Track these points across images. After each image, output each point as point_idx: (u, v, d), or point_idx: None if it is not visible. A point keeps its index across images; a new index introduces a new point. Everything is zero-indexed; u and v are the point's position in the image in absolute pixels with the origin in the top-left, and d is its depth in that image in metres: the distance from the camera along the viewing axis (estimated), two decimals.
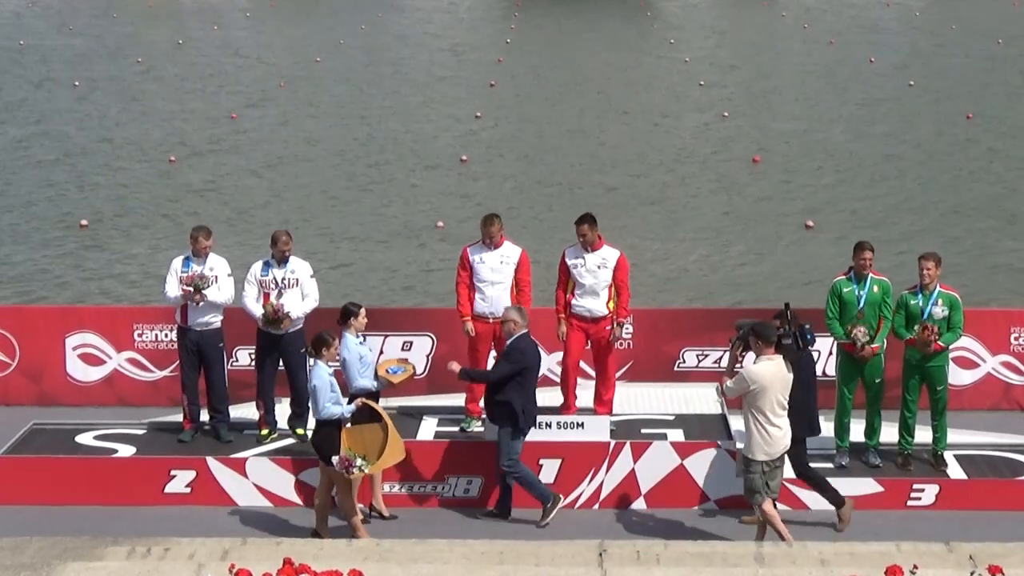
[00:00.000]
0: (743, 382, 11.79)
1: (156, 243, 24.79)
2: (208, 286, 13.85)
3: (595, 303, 14.06)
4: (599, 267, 14.03)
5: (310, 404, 12.39)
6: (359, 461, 12.06)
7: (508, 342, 12.88)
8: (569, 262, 14.15)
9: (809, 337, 12.16)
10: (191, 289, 13.79)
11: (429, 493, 13.30)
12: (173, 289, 13.96)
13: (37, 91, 44.17)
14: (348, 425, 12.27)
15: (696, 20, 69.44)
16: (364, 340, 13.15)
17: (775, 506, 12.14)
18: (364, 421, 12.31)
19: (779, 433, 11.85)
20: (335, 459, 12.08)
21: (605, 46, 57.12)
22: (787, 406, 11.89)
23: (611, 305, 14.09)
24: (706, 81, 46.28)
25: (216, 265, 14.05)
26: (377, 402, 12.65)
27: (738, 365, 12.41)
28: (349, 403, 12.43)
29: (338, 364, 12.72)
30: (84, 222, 26.29)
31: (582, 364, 14.49)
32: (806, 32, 62.39)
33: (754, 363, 11.96)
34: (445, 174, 31.16)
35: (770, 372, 11.77)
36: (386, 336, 15.51)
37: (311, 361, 12.43)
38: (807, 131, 36.56)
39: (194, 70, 49.42)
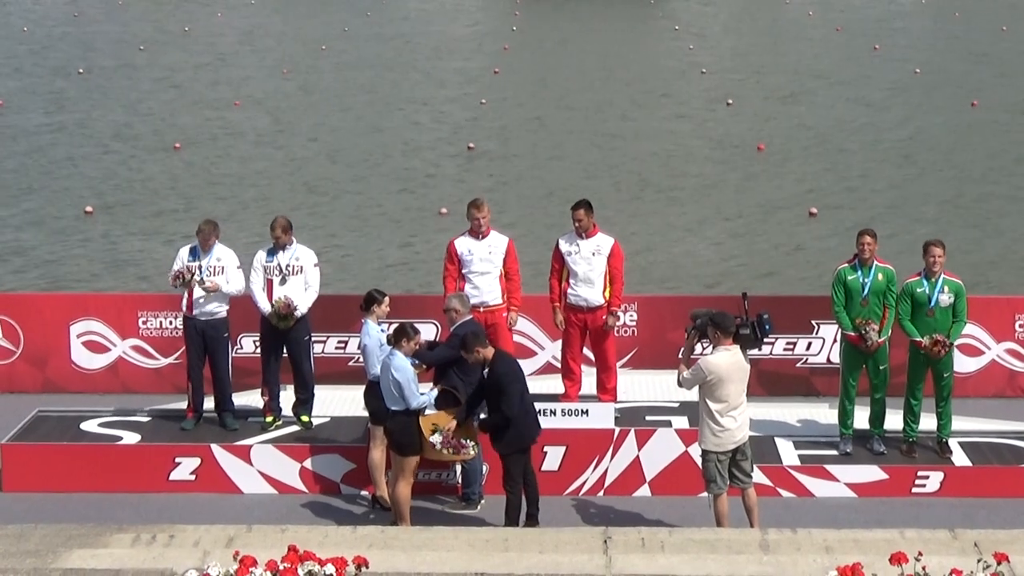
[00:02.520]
0: (700, 373, 11.62)
1: (160, 230, 24.80)
2: (196, 278, 13.71)
3: (591, 292, 14.03)
4: (593, 254, 14.00)
5: (396, 394, 12.01)
6: (470, 443, 12.08)
7: (451, 328, 12.82)
8: (563, 249, 14.12)
9: (767, 327, 11.88)
10: (180, 282, 13.75)
11: (434, 481, 13.29)
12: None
13: (41, 78, 44.14)
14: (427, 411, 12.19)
15: (700, 7, 69.32)
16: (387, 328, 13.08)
17: (753, 496, 12.03)
18: (445, 407, 12.31)
19: (733, 425, 11.69)
20: (438, 438, 11.96)
21: (609, 33, 57.05)
22: (744, 399, 11.75)
23: (607, 294, 14.07)
24: (709, 69, 46.21)
25: (223, 256, 13.95)
26: None
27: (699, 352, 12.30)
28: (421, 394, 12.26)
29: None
30: (89, 209, 26.31)
31: (585, 350, 14.48)
32: (811, 19, 62.31)
33: (711, 354, 11.79)
34: (451, 161, 31.15)
35: (727, 363, 11.61)
36: (390, 323, 15.46)
37: (388, 350, 12.22)
38: (812, 118, 36.50)
39: (198, 57, 49.38)
